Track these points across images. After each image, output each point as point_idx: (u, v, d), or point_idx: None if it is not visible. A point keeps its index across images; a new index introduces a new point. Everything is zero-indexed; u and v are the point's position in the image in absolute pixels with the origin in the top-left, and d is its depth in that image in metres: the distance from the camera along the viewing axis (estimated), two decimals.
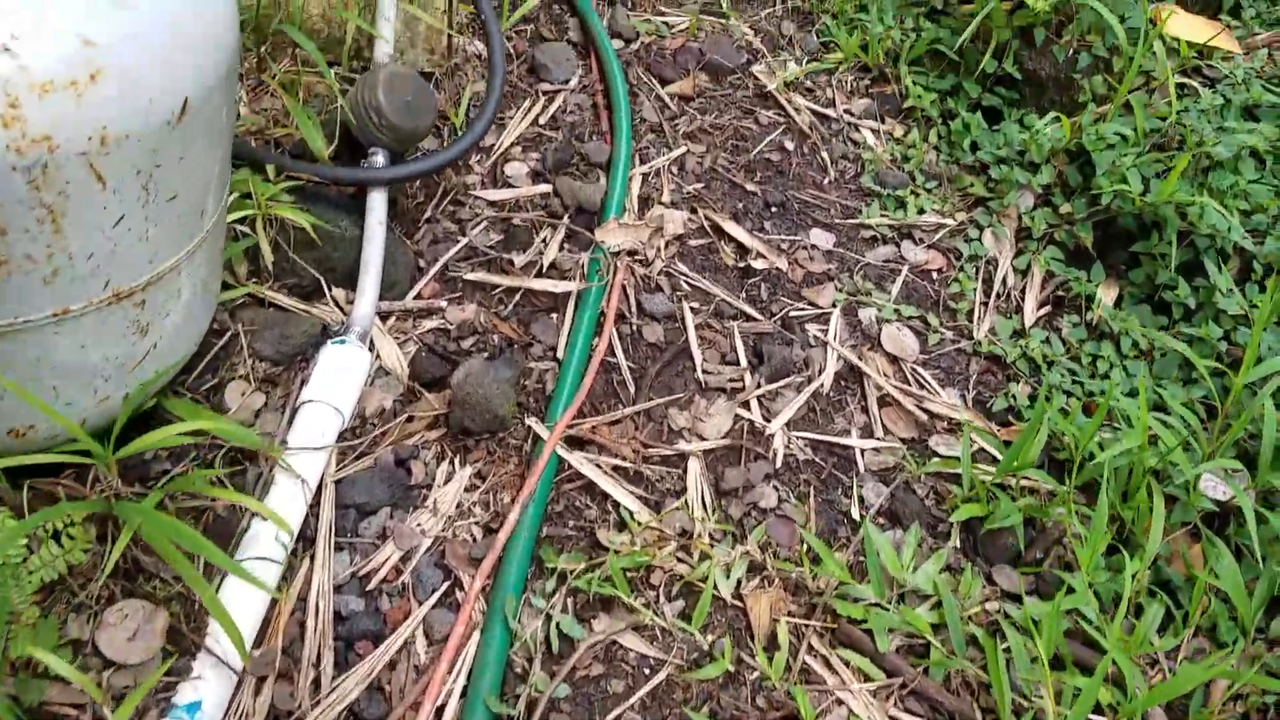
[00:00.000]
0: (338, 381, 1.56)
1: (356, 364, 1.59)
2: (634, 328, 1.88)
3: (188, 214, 1.26)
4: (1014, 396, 1.81)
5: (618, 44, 2.53)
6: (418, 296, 1.84)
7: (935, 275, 2.12)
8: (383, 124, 1.75)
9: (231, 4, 1.26)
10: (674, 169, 2.26)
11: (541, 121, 2.28)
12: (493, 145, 2.19)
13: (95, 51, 1.04)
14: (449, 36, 2.05)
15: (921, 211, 2.22)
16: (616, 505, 1.55)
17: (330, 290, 1.78)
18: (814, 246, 2.14)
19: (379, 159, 1.80)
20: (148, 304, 1.27)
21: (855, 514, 1.61)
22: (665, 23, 2.62)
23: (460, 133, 2.10)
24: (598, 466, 1.60)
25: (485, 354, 1.76)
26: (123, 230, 1.16)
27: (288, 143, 1.84)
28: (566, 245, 2.00)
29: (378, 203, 1.76)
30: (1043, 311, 2.02)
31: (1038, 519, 1.56)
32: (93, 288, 1.18)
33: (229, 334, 1.63)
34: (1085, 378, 1.84)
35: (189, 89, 1.15)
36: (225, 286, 1.66)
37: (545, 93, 2.35)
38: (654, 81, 2.45)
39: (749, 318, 1.95)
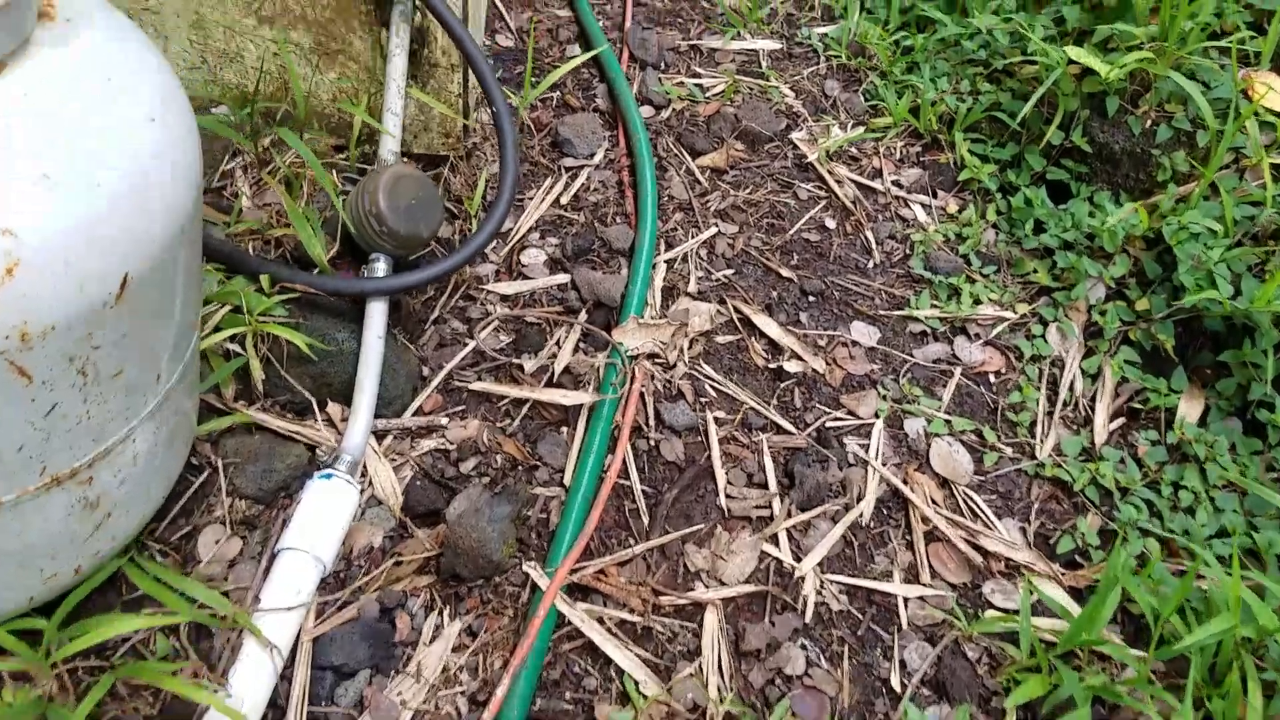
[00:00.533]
0: (321, 525, 1.42)
1: (342, 503, 1.45)
2: (651, 443, 1.70)
3: (139, 383, 1.13)
4: (1083, 534, 1.59)
5: (648, 111, 2.36)
6: (418, 411, 1.69)
7: (993, 379, 1.91)
8: (383, 231, 1.61)
9: (190, 153, 1.11)
10: (702, 253, 2.08)
11: (563, 201, 2.13)
12: (510, 230, 2.04)
13: (13, 241, 0.90)
14: (461, 118, 1.91)
15: (978, 302, 2.01)
16: (621, 672, 1.38)
17: (325, 407, 1.64)
18: (855, 343, 1.94)
19: (380, 266, 1.65)
20: (96, 480, 1.14)
21: (896, 683, 1.42)
22: (699, 85, 2.45)
23: (475, 219, 1.95)
24: (601, 622, 1.43)
25: (486, 479, 1.60)
26: (57, 418, 1.02)
27: (289, 243, 1.71)
28: (583, 345, 1.84)
29: (376, 315, 1.62)
30: (1115, 424, 1.80)
31: (1109, 700, 1.35)
32: (26, 478, 1.04)
33: (208, 470, 1.50)
34: (1165, 509, 1.61)
35: (130, 264, 1.01)
36: (210, 412, 1.53)
37: (568, 169, 2.20)
38: (684, 153, 2.28)
39: (780, 430, 1.76)
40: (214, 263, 1.64)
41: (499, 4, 2.55)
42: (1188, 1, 1.95)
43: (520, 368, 1.78)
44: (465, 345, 1.80)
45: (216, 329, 1.55)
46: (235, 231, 1.70)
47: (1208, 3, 1.97)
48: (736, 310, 1.97)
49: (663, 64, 2.50)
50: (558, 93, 2.38)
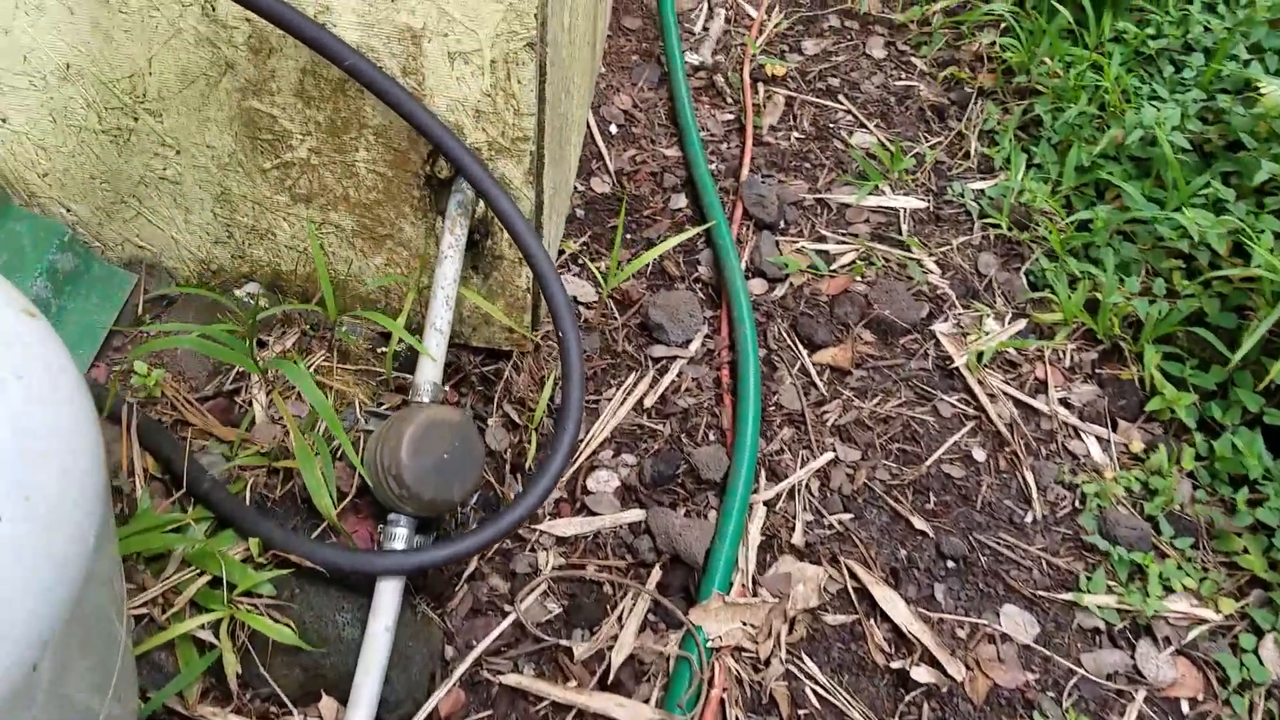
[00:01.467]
0: None
1: None
2: None
3: None
4: None
5: (759, 286, 1.98)
6: (432, 715, 1.33)
7: (1186, 708, 1.44)
8: (404, 495, 1.27)
9: (91, 512, 0.78)
10: (814, 488, 1.68)
11: (646, 404, 1.76)
12: (579, 440, 1.68)
13: None
14: (532, 315, 1.56)
15: (1168, 589, 1.55)
16: None
17: (318, 701, 1.29)
18: (1006, 637, 1.50)
19: (399, 534, 1.31)
20: None
21: None
22: (823, 253, 2.05)
23: (536, 432, 1.60)
24: None
25: None
26: None
27: (299, 480, 1.39)
28: (651, 620, 1.46)
29: (387, 600, 1.27)
30: None
31: None
32: None
33: None
34: None
35: None
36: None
37: (656, 361, 1.83)
38: (799, 346, 1.89)
39: None
40: (203, 507, 1.33)
41: (599, 141, 2.21)
42: None
43: (569, 652, 1.40)
44: (504, 616, 1.44)
45: (193, 605, 1.23)
46: (238, 465, 1.38)
47: None
48: (852, 576, 1.56)
49: (782, 222, 2.12)
50: (654, 259, 2.02)
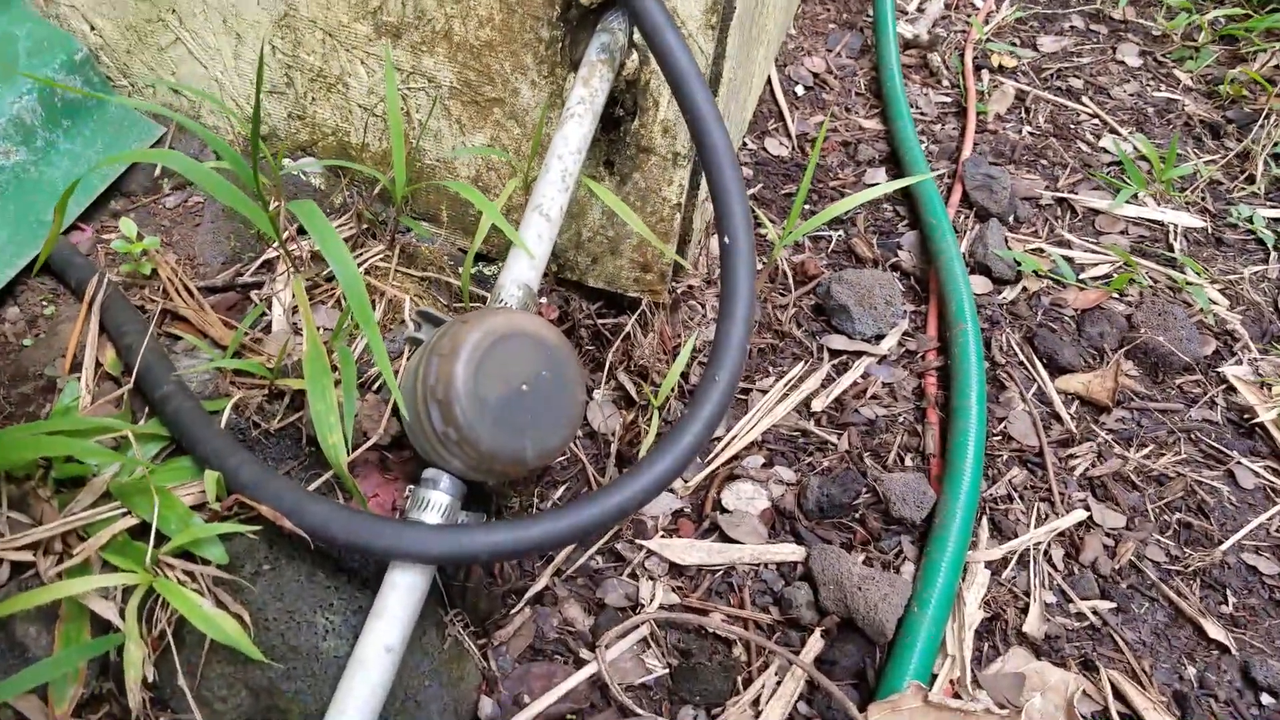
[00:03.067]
0: None
1: None
2: None
3: None
4: None
5: (980, 285, 1.46)
6: None
7: None
8: (450, 435, 0.79)
9: None
10: (1057, 557, 1.13)
11: (815, 408, 1.25)
12: (714, 440, 1.19)
13: None
14: (674, 254, 1.09)
15: None
16: None
17: None
18: None
19: (435, 498, 0.83)
20: None
21: None
22: (1068, 259, 1.52)
23: (660, 414, 1.11)
24: None
25: None
26: None
27: (309, 413, 0.93)
28: (803, 714, 0.92)
29: (395, 604, 0.79)
30: None
31: None
32: None
33: None
34: None
35: None
36: None
37: (835, 354, 1.33)
38: (1037, 364, 1.35)
39: None
40: (157, 420, 0.89)
41: (780, 99, 1.76)
42: None
43: None
44: (578, 665, 0.93)
45: (104, 564, 0.78)
46: (226, 375, 0.94)
47: None
48: (1118, 695, 0.99)
49: (1012, 217, 1.61)
50: (840, 231, 1.53)
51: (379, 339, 0.77)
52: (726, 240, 0.87)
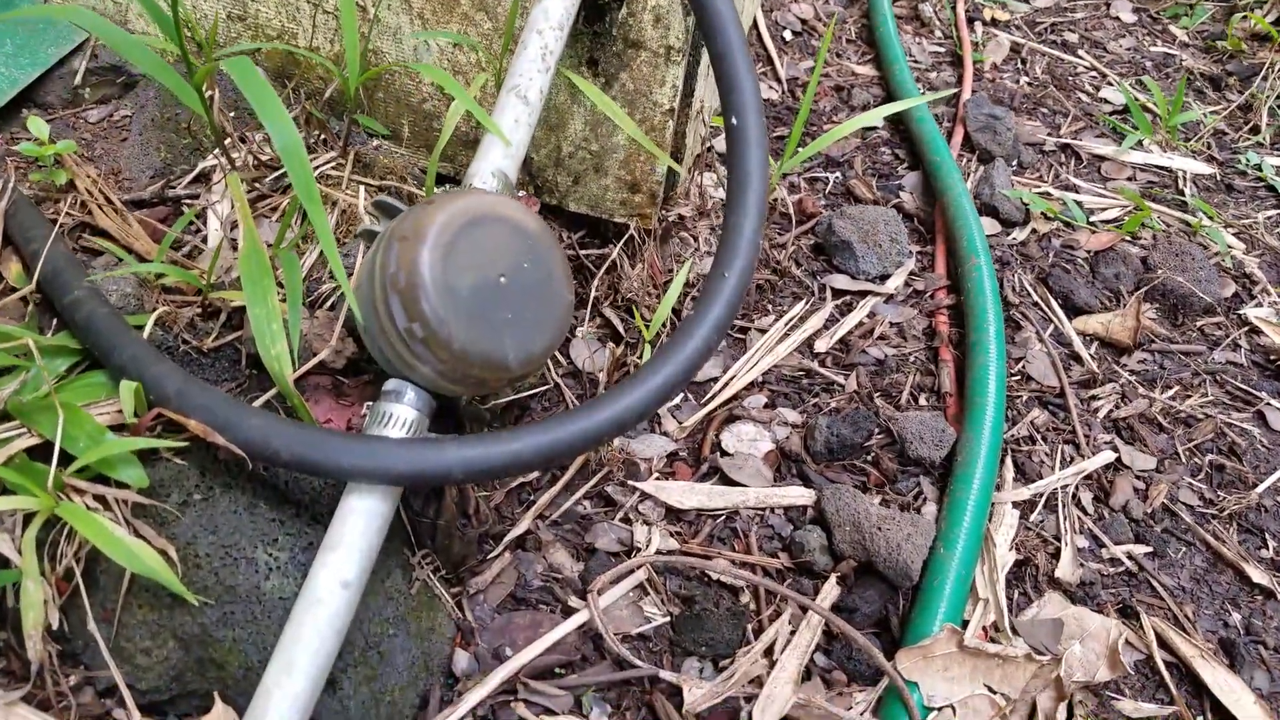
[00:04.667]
0: None
1: None
2: None
3: None
4: None
5: (990, 226, 1.36)
6: None
7: None
8: (415, 332, 0.67)
9: None
10: (1086, 499, 1.03)
11: (819, 349, 1.14)
12: (711, 380, 1.07)
13: None
14: (671, 161, 0.97)
15: None
16: None
17: (207, 709, 0.69)
18: None
19: (397, 413, 0.71)
20: None
21: None
22: (1078, 203, 1.43)
23: (651, 347, 0.99)
24: None
25: None
26: None
27: (249, 330, 0.80)
28: (822, 664, 0.81)
29: (353, 532, 0.66)
30: None
31: None
32: None
33: None
34: None
35: None
36: None
37: (838, 293, 1.22)
38: (1053, 304, 1.25)
39: None
40: (67, 330, 0.76)
41: (769, 44, 1.66)
42: None
43: (674, 693, 0.76)
44: (567, 614, 0.81)
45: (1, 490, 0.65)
46: (152, 287, 0.82)
47: None
48: (1162, 643, 0.89)
49: (1016, 162, 1.51)
50: (837, 173, 1.43)
51: (323, 217, 0.65)
52: (734, 120, 0.76)
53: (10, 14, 0.68)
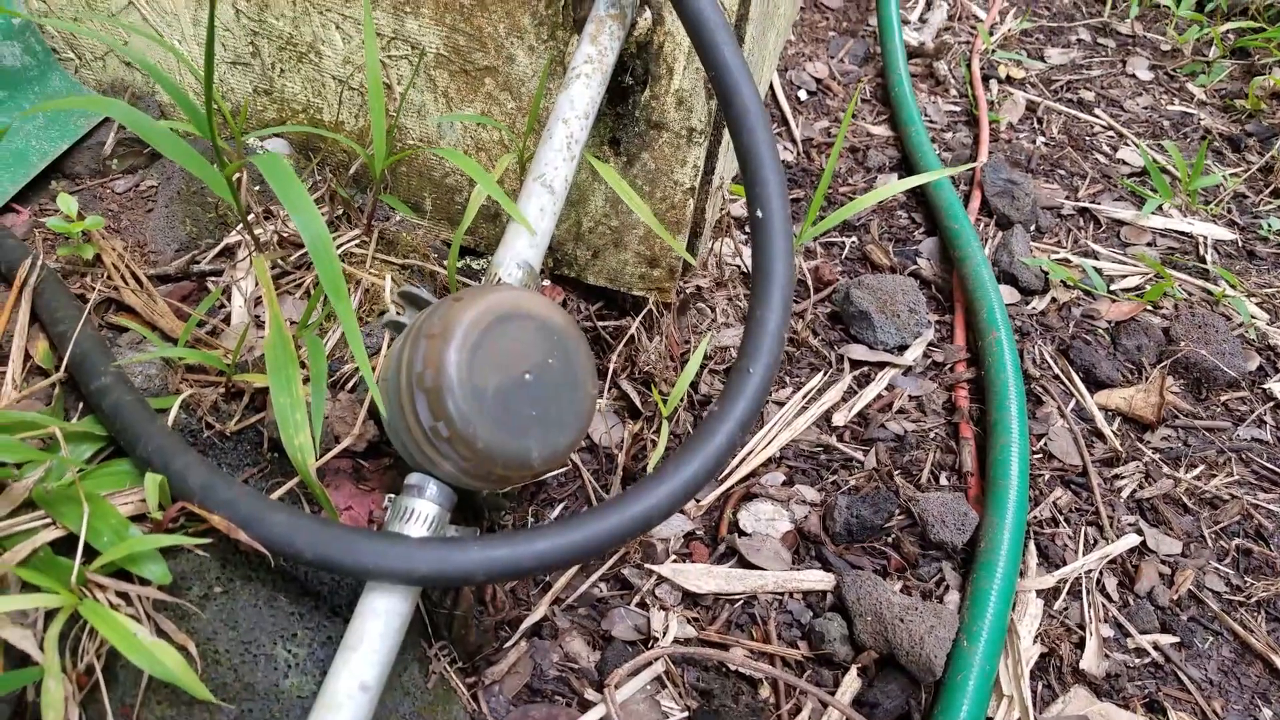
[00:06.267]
0: None
1: None
2: None
3: None
4: None
5: (1008, 295, 1.36)
6: None
7: None
8: (440, 431, 0.67)
9: None
10: (1110, 585, 1.01)
11: (837, 422, 1.13)
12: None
13: None
14: (686, 255, 0.97)
15: None
16: None
17: None
18: None
19: (420, 508, 0.70)
20: None
21: None
22: (1098, 270, 1.42)
23: (668, 424, 0.99)
24: None
25: None
26: None
27: (272, 414, 0.81)
28: None
29: (372, 634, 0.66)
30: None
31: None
32: None
33: None
34: None
35: None
36: None
37: (856, 365, 1.21)
38: (1073, 377, 1.24)
39: None
40: (93, 416, 0.76)
41: (784, 104, 1.67)
42: None
43: None
44: (584, 708, 0.80)
45: (23, 584, 0.65)
46: (176, 367, 0.82)
47: None
48: None
49: (1034, 227, 1.51)
50: (853, 238, 1.43)
51: (351, 315, 0.65)
52: (759, 213, 0.76)
53: (48, 105, 0.69)
